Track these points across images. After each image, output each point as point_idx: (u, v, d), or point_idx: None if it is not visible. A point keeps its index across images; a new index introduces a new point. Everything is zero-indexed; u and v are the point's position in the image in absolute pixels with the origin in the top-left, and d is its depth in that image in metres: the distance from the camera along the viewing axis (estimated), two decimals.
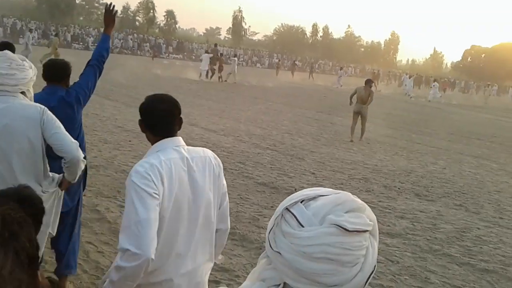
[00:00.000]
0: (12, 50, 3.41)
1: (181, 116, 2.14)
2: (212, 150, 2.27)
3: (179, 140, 2.10)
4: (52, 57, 22.61)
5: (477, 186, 8.48)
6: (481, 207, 7.11)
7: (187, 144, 2.15)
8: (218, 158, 2.23)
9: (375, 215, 1.00)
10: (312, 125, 13.68)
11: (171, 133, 2.10)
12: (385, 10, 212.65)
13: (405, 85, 37.00)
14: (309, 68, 50.52)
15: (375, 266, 0.95)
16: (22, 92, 2.79)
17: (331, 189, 0.99)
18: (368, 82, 12.01)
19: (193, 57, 59.95)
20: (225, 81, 26.44)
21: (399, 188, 7.60)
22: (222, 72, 26.96)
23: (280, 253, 0.93)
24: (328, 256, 0.89)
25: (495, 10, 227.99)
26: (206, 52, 28.45)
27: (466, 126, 18.56)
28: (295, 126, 13.04)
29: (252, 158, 8.55)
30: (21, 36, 48.03)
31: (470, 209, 6.94)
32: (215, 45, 30.77)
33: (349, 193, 0.97)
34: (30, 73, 2.80)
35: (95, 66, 3.55)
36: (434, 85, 34.93)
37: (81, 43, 54.06)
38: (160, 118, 2.09)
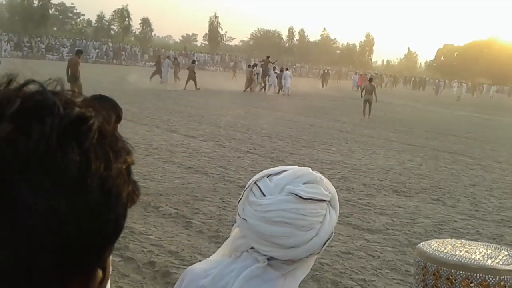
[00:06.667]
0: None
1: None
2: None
3: None
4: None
5: (453, 180, 8.70)
6: (457, 200, 7.31)
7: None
8: None
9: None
10: (291, 127, 13.82)
11: None
12: (360, 12, 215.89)
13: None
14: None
15: (332, 233, 1.06)
16: None
17: (295, 166, 1.10)
18: (371, 80, 18.56)
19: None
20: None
21: (377, 186, 7.75)
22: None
23: (246, 220, 1.04)
24: (284, 220, 1.00)
25: (467, 9, 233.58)
26: (249, 66, 29.66)
27: (441, 124, 18.96)
28: (274, 129, 13.15)
29: (233, 162, 8.61)
30: None
31: (447, 203, 7.13)
32: (268, 57, 28.62)
33: (309, 168, 1.08)
34: None
35: None
36: (287, 75, 28.38)
37: (55, 54, 53.41)
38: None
